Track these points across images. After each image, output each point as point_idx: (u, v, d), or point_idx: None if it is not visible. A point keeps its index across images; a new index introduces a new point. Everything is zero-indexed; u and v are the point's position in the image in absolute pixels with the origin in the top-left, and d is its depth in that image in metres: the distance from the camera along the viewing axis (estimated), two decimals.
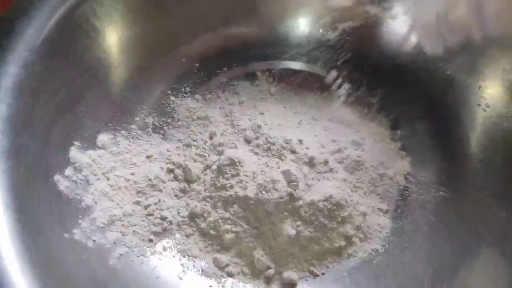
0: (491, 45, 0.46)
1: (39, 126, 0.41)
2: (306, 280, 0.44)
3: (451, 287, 0.41)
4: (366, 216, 0.46)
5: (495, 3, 0.36)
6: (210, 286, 0.43)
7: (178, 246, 0.45)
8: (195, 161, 0.49)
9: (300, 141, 0.47)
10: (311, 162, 0.46)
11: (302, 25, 0.55)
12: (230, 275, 0.44)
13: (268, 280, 0.44)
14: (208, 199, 0.46)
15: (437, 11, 0.34)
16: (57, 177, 0.42)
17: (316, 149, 0.47)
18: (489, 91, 0.47)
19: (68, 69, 0.44)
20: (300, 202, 0.44)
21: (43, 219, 0.38)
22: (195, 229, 0.46)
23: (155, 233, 0.45)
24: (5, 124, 0.38)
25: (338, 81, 0.53)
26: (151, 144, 0.49)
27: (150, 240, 0.44)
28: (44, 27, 0.42)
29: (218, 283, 0.44)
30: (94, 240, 0.41)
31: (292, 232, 0.43)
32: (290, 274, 0.44)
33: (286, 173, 0.44)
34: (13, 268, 0.34)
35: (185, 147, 0.50)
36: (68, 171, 0.43)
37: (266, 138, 0.48)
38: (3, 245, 0.34)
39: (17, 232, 0.35)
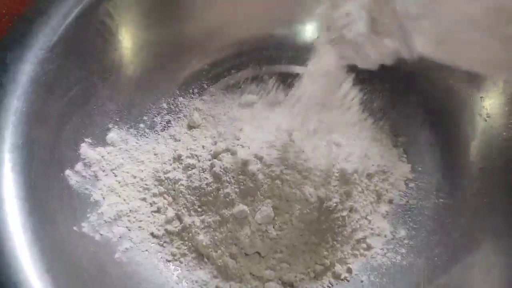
0: None
1: (52, 122, 0.42)
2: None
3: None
4: (367, 219, 0.47)
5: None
6: (210, 272, 0.44)
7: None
8: (199, 160, 0.50)
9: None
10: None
11: (310, 31, 0.56)
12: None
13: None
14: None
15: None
16: (68, 172, 0.43)
17: (320, 153, 0.48)
18: (490, 102, 0.48)
19: (82, 67, 0.45)
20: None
21: (54, 211, 0.40)
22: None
23: (159, 229, 0.46)
24: (19, 118, 0.39)
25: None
26: (158, 142, 0.51)
27: (154, 236, 0.46)
28: (60, 27, 0.43)
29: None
30: (101, 234, 0.43)
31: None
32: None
33: None
34: (24, 256, 0.35)
35: (191, 146, 0.51)
36: (78, 166, 0.44)
37: (269, 141, 0.49)
38: (16, 233, 0.36)
39: (29, 222, 0.37)
